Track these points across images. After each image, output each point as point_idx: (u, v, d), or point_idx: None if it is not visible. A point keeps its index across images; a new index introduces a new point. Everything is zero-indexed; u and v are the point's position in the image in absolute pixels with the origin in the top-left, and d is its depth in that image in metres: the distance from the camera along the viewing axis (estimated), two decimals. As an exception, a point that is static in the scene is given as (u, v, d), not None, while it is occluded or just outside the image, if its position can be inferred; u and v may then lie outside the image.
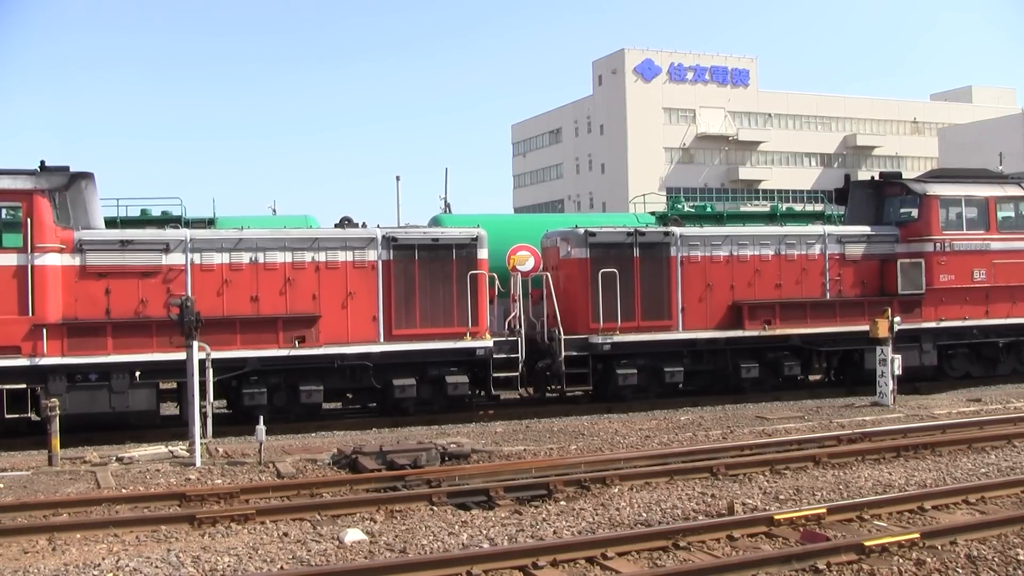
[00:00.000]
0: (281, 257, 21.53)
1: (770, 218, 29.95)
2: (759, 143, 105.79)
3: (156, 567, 10.68)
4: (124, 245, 20.56)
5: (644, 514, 12.90)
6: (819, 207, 39.04)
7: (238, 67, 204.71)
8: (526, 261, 27.12)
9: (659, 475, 15.20)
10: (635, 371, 23.82)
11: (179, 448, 18.40)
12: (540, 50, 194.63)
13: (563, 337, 23.20)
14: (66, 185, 20.25)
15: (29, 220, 19.66)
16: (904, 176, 28.21)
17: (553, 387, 24.35)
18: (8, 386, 19.47)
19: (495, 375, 22.79)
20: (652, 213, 31.29)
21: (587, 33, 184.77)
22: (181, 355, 18.63)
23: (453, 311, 22.33)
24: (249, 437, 18.79)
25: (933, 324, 26.05)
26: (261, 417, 17.64)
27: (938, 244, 25.89)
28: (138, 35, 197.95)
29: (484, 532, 12.10)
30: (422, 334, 22.15)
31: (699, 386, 25.48)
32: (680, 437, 19.13)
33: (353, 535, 11.91)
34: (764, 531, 11.73)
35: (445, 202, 55.36)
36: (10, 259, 19.60)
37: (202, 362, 18.08)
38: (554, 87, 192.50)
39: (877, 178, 28.10)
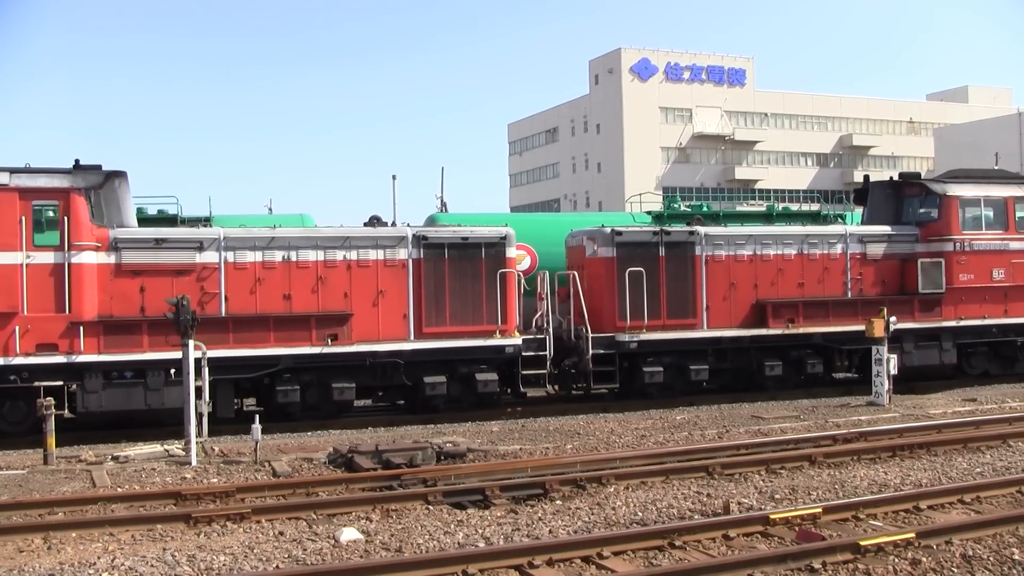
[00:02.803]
0: (313, 256, 21.75)
1: (766, 218, 29.88)
2: (755, 143, 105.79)
3: (152, 566, 10.66)
4: (159, 243, 20.78)
5: (640, 513, 12.90)
6: (815, 207, 39.01)
7: (235, 67, 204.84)
8: (523, 260, 27.11)
9: (655, 474, 15.21)
10: (661, 369, 24.07)
11: (175, 447, 18.38)
12: (537, 50, 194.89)
13: (590, 335, 23.35)
14: (101, 183, 20.44)
15: (66, 218, 19.91)
16: (910, 176, 28.46)
17: (578, 385, 24.42)
18: (45, 383, 19.58)
19: (524, 372, 23.04)
20: (648, 212, 31.19)
21: (583, 33, 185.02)
22: (217, 352, 19.56)
23: (482, 309, 22.57)
24: (245, 436, 18.80)
25: (953, 323, 26.35)
26: (256, 416, 17.66)
27: (958, 244, 26.31)
28: (132, 36, 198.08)
29: (480, 531, 12.09)
30: (452, 332, 22.39)
31: (722, 384, 25.70)
32: (676, 436, 19.15)
33: (349, 534, 11.90)
34: (760, 530, 11.73)
35: (441, 201, 55.30)
36: (47, 257, 19.85)
37: (199, 361, 18.13)
38: (550, 86, 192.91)
39: (895, 178, 28.45)
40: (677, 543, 11.16)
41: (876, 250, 26.31)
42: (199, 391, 18.21)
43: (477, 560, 10.40)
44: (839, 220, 29.04)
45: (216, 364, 19.94)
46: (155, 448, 18.47)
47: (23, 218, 19.73)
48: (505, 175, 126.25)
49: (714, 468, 15.47)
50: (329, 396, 21.72)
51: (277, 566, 10.77)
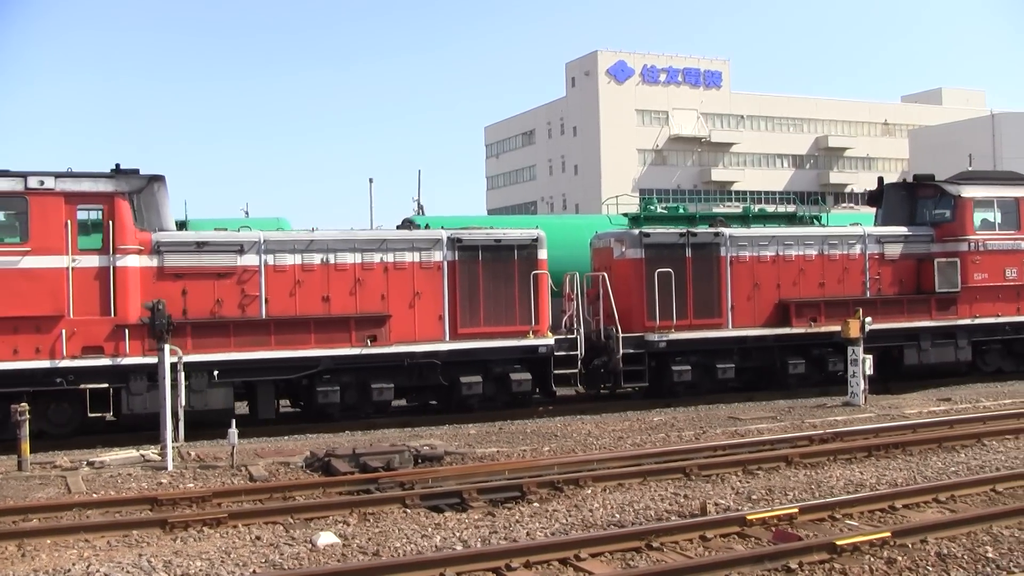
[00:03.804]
0: (351, 258, 22.04)
1: (742, 219, 29.97)
2: (732, 144, 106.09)
3: (128, 572, 10.62)
4: (200, 247, 21.01)
5: (617, 515, 12.93)
6: (791, 208, 39.11)
7: (212, 68, 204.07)
8: None
9: (632, 476, 15.22)
10: (689, 368, 24.59)
11: (151, 452, 18.29)
12: (513, 52, 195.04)
13: (620, 335, 23.71)
14: (143, 187, 20.63)
15: (111, 222, 20.11)
16: (924, 178, 29.31)
17: (605, 385, 24.83)
18: (91, 385, 19.92)
19: (556, 372, 23.38)
20: (625, 215, 31.22)
21: (560, 35, 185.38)
22: (259, 354, 20.64)
23: (515, 310, 22.99)
24: (221, 441, 18.72)
25: (968, 321, 27.13)
26: (234, 420, 17.60)
27: (972, 244, 27.11)
28: (101, 34, 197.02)
29: (457, 534, 12.09)
30: (486, 332, 22.75)
31: (745, 382, 26.10)
32: (653, 438, 19.19)
33: (326, 538, 11.87)
34: (737, 531, 11.77)
35: (418, 204, 55.39)
36: (92, 261, 20.03)
37: (174, 366, 18.09)
38: (527, 89, 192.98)
39: (910, 180, 29.44)
40: (654, 544, 11.19)
41: (893, 250, 27.04)
42: (175, 394, 18.14)
43: (455, 563, 10.39)
44: (815, 221, 29.23)
45: (258, 366, 20.85)
46: (131, 453, 18.36)
47: (68, 222, 19.92)
48: (482, 177, 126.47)
49: (691, 469, 15.49)
50: (368, 396, 22.03)
51: (254, 571, 10.74)
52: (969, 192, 27.35)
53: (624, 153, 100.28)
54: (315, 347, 21.39)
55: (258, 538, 12.20)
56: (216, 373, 20.54)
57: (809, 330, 25.57)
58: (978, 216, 27.35)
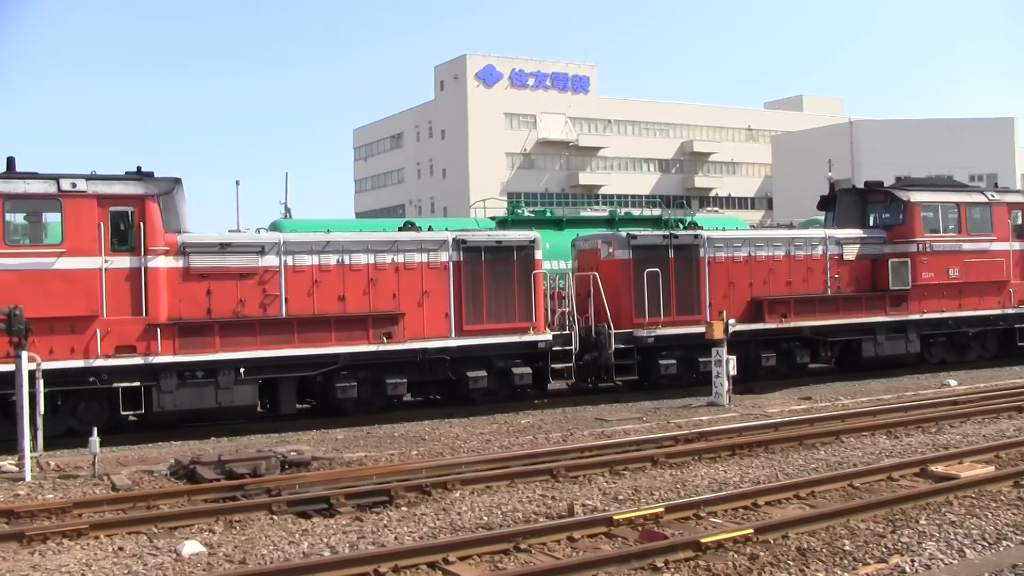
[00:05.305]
0: (364, 259, 22.91)
1: (609, 223, 30.35)
2: (599, 149, 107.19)
3: (-21, 588, 10.28)
4: (224, 248, 21.58)
5: (485, 518, 12.94)
6: (656, 212, 39.72)
7: (80, 69, 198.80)
8: None
9: (500, 479, 15.25)
10: (674, 362, 26.04)
11: (7, 463, 17.68)
12: (382, 55, 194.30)
13: (612, 331, 24.96)
14: (171, 190, 21.13)
15: (142, 224, 20.57)
16: (875, 184, 31.15)
17: (592, 379, 25.99)
18: (124, 384, 20.31)
19: (553, 366, 24.65)
20: (492, 218, 31.39)
21: (429, 39, 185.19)
22: (283, 351, 21.53)
23: (515, 307, 24.11)
24: (83, 450, 18.22)
25: (917, 316, 29.26)
26: (95, 428, 17.16)
27: (920, 245, 29.23)
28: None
29: (325, 540, 11.97)
30: (489, 329, 23.88)
31: None
32: (521, 440, 19.28)
33: (191, 547, 11.64)
34: (604, 531, 11.86)
35: (286, 207, 54.73)
36: (123, 262, 20.49)
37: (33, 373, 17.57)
38: (396, 92, 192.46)
39: (861, 186, 31.64)
40: (522, 546, 11.21)
41: (851, 251, 28.90)
42: (34, 403, 17.63)
43: (322, 570, 10.28)
44: (679, 225, 29.79)
45: (282, 363, 21.68)
46: (-15, 464, 17.79)
47: (101, 224, 20.28)
48: (350, 180, 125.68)
49: (559, 471, 15.56)
50: (381, 391, 22.95)
51: (113, 583, 10.49)
52: (917, 197, 29.45)
53: (492, 156, 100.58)
54: (335, 344, 22.20)
55: (121, 549, 11.90)
56: (242, 370, 21.17)
57: (780, 325, 27.25)
58: (926, 219, 29.38)
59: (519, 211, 34.13)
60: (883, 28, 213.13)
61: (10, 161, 20.33)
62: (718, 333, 23.77)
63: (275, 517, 13.39)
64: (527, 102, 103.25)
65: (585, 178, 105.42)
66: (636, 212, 42.24)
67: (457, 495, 14.40)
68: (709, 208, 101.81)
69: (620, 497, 14.04)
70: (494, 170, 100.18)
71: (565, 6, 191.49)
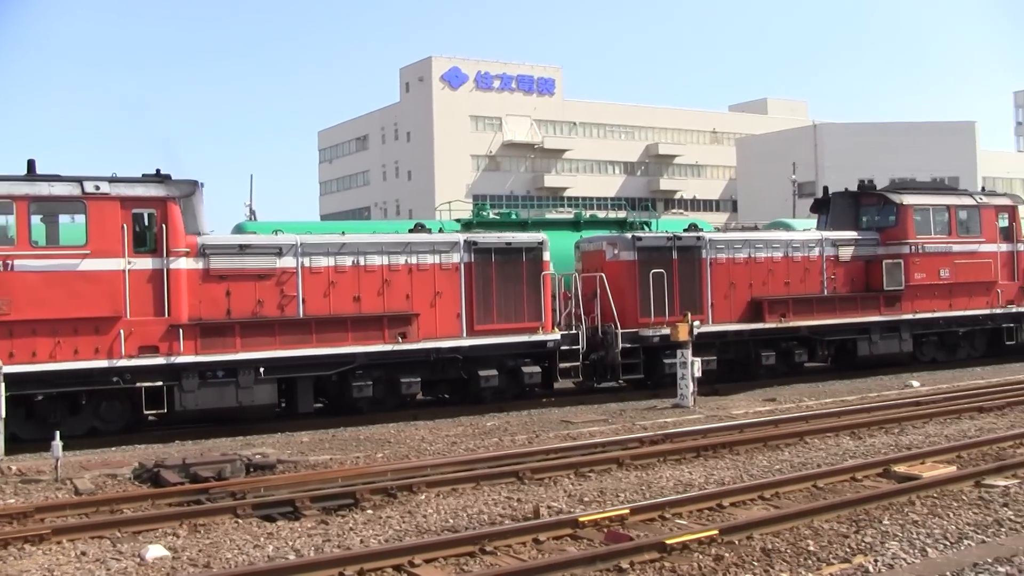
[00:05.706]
0: (379, 260, 23.19)
1: (574, 225, 30.40)
2: (564, 151, 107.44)
3: (-62, 594, 10.17)
4: (242, 249, 21.90)
5: (451, 520, 12.92)
6: (622, 214, 39.81)
7: (48, 75, 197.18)
8: None
9: (466, 481, 15.22)
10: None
11: (-33, 467, 17.54)
12: (347, 57, 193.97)
13: (619, 331, 25.39)
14: (192, 192, 21.31)
15: (164, 226, 20.77)
16: (868, 187, 31.62)
17: (597, 378, 26.37)
18: (146, 384, 20.55)
19: (562, 365, 24.95)
20: (458, 220, 31.35)
21: (394, 41, 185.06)
22: (302, 351, 21.82)
23: (524, 308, 24.48)
24: (45, 454, 18.06)
25: (910, 316, 29.95)
26: (57, 433, 17.02)
27: (913, 247, 29.88)
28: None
29: (290, 543, 11.92)
30: (500, 329, 24.25)
31: (721, 372, 27.42)
32: (486, 443, 19.25)
33: (155, 551, 11.56)
34: (569, 533, 11.86)
35: (250, 209, 54.60)
36: (146, 263, 20.69)
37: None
38: (361, 94, 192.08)
39: (854, 189, 31.88)
40: (488, 549, 11.20)
41: (847, 253, 29.48)
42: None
43: (287, 573, 10.25)
44: (645, 227, 29.88)
45: (300, 362, 21.98)
46: (-56, 469, 17.59)
47: (124, 225, 20.47)
48: (315, 183, 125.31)
49: (524, 473, 15.55)
50: (396, 390, 23.27)
51: (75, 588, 10.39)
52: (910, 200, 30.09)
53: (458, 159, 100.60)
54: (352, 344, 22.47)
55: (83, 554, 11.78)
56: (262, 370, 21.42)
57: (779, 325, 27.75)
58: (918, 221, 29.99)
59: (484, 214, 34.12)
60: (848, 32, 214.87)
61: (30, 163, 20.50)
62: (683, 335, 23.87)
63: (240, 521, 13.30)
64: (492, 104, 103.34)
65: (551, 180, 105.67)
66: (601, 214, 42.34)
67: (423, 497, 14.37)
68: (674, 210, 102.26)
69: (586, 499, 14.05)
70: (460, 172, 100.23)
71: (530, 9, 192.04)
